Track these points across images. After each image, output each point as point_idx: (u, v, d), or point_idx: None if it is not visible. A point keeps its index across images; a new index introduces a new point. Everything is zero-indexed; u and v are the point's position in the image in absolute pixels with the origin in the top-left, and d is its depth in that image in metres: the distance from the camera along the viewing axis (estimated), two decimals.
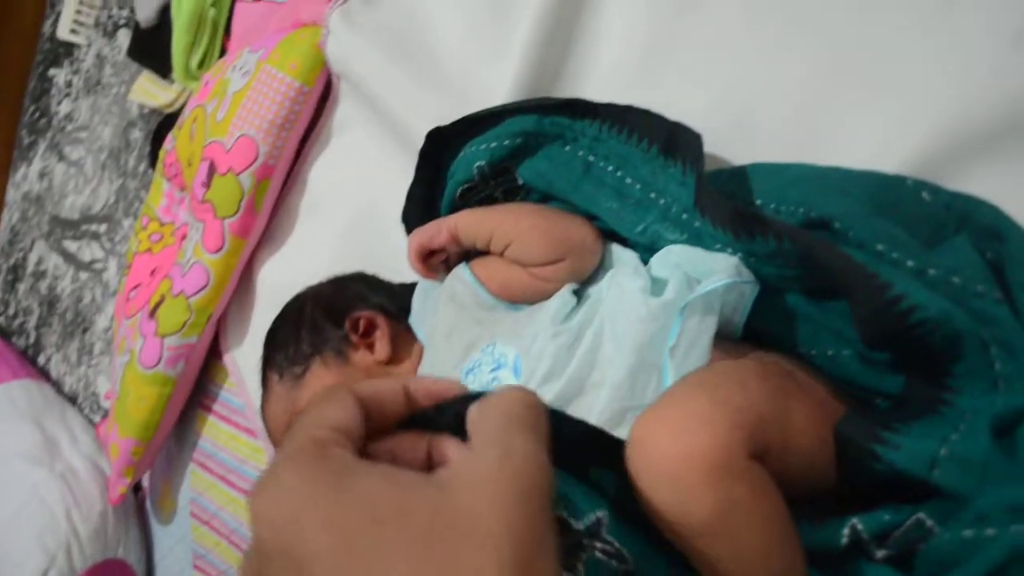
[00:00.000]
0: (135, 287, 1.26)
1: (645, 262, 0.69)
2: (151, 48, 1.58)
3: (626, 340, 0.61)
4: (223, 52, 1.41)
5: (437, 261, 0.78)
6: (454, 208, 0.79)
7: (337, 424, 0.38)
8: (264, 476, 0.35)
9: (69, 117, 1.95)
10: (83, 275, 1.77)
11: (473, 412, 0.40)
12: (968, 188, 0.57)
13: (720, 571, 0.46)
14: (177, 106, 1.53)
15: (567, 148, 0.73)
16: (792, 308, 0.61)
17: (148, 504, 1.42)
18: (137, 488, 1.44)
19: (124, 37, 1.79)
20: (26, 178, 2.06)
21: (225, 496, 1.19)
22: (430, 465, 0.42)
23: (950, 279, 0.51)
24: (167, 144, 1.29)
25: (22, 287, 1.96)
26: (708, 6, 0.73)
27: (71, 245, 1.82)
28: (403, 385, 0.44)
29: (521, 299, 0.72)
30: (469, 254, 0.77)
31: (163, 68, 1.55)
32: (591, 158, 0.72)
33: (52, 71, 2.04)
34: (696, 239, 0.64)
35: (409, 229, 0.82)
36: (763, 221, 0.58)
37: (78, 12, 1.88)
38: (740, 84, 0.71)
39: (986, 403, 0.49)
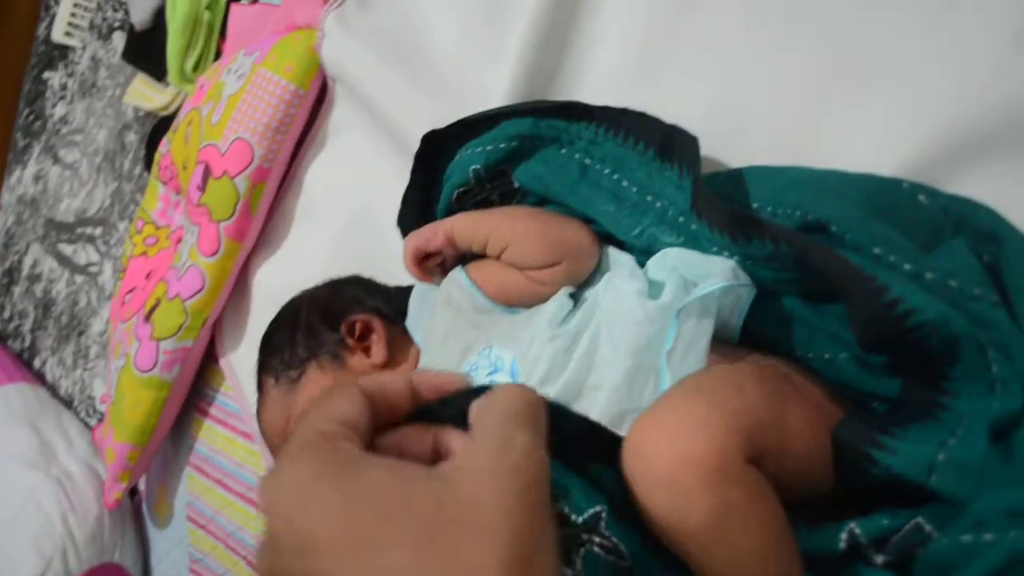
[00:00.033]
0: (130, 291, 1.25)
1: (642, 265, 0.69)
2: (146, 51, 1.57)
3: (623, 343, 0.60)
4: (218, 55, 1.40)
5: (433, 264, 0.78)
6: (450, 211, 0.79)
7: (345, 418, 0.39)
8: (274, 468, 0.37)
9: (64, 120, 1.94)
10: (78, 278, 1.76)
11: (475, 407, 0.41)
12: (968, 188, 0.57)
13: (717, 575, 0.46)
14: (172, 109, 1.53)
15: (563, 151, 0.73)
16: (789, 311, 0.61)
17: (144, 508, 1.41)
18: (133, 492, 1.43)
19: (119, 40, 1.78)
20: (21, 181, 2.05)
21: (222, 500, 1.19)
22: (435, 457, 0.43)
23: (947, 282, 0.51)
24: (162, 147, 1.29)
25: (17, 290, 1.95)
26: (706, 6, 0.73)
27: (66, 248, 1.82)
28: (408, 379, 0.45)
29: (518, 302, 0.72)
30: (465, 257, 0.77)
31: (158, 71, 1.55)
32: (587, 161, 0.72)
33: (47, 74, 2.04)
34: (693, 242, 0.64)
35: (405, 233, 0.82)
36: (760, 224, 0.57)
37: (73, 15, 1.88)
38: (739, 85, 0.71)
39: (983, 406, 0.49)
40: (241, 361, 1.17)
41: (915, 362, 0.52)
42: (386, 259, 0.92)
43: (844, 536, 0.49)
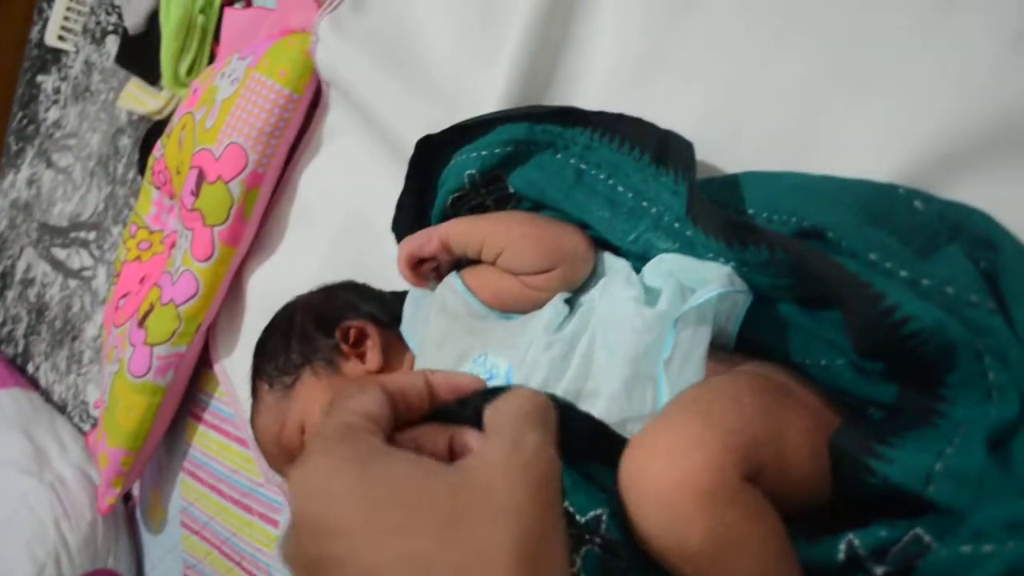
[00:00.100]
0: (124, 295, 1.25)
1: (637, 271, 0.69)
2: (139, 55, 1.57)
3: (619, 350, 0.60)
4: (212, 59, 1.40)
5: (427, 270, 0.78)
6: (445, 217, 0.79)
7: (368, 413, 0.41)
8: (303, 456, 0.38)
9: (57, 124, 1.94)
10: (72, 283, 1.76)
11: (489, 409, 0.42)
12: (967, 188, 0.57)
13: None
14: (166, 113, 1.52)
15: (558, 156, 0.73)
16: (785, 318, 0.61)
17: (138, 514, 1.41)
18: (127, 497, 1.43)
19: (112, 43, 1.78)
20: (14, 185, 2.05)
21: (216, 506, 1.19)
22: (451, 457, 0.44)
23: (944, 289, 0.51)
24: (156, 152, 1.28)
25: (10, 295, 1.95)
26: (703, 8, 0.73)
27: (60, 253, 1.81)
28: (425, 379, 0.46)
29: (513, 308, 0.72)
30: (460, 263, 0.76)
31: (152, 75, 1.54)
32: (583, 166, 0.72)
33: (40, 77, 2.03)
34: (688, 248, 0.64)
35: (399, 238, 0.82)
36: (755, 230, 0.57)
37: (66, 18, 1.87)
38: (738, 86, 0.71)
39: (980, 413, 0.49)
40: (235, 366, 1.17)
41: (912, 369, 0.52)
42: (381, 264, 0.92)
43: (842, 548, 0.48)
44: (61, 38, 1.88)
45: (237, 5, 1.35)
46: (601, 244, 0.72)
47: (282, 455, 0.81)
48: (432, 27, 0.93)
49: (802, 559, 0.47)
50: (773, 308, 0.61)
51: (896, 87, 0.62)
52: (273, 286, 1.11)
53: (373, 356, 0.79)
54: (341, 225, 1.06)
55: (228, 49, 1.32)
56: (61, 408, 1.68)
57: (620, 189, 0.69)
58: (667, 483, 0.46)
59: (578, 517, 0.48)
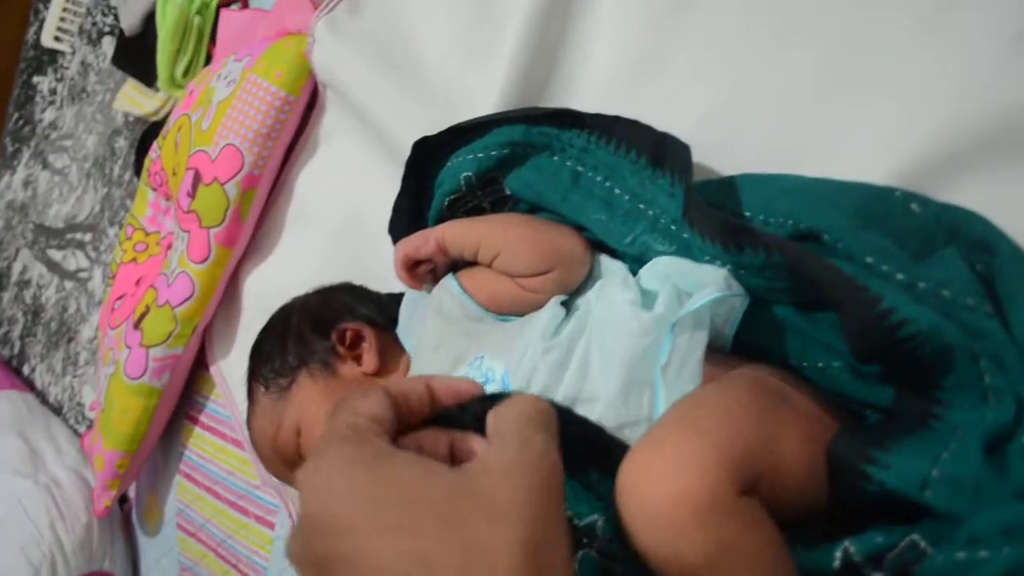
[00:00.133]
0: (120, 297, 1.25)
1: (634, 273, 0.68)
2: (136, 56, 1.56)
3: (615, 354, 0.60)
4: (208, 60, 1.40)
5: (424, 272, 0.77)
6: (441, 218, 0.79)
7: (373, 415, 0.41)
8: (311, 455, 0.39)
9: (53, 125, 1.93)
10: (68, 284, 1.75)
11: (492, 415, 0.43)
12: (967, 189, 0.57)
13: None
14: (162, 115, 1.52)
15: (555, 158, 0.73)
16: (782, 320, 0.61)
17: (134, 516, 1.41)
18: (123, 500, 1.43)
19: (109, 45, 1.78)
20: (10, 186, 2.04)
21: (212, 508, 1.19)
22: (452, 461, 0.44)
23: (940, 292, 0.51)
24: (152, 153, 1.28)
25: (6, 296, 1.95)
26: (703, 8, 0.73)
27: (56, 254, 1.81)
28: (426, 384, 0.47)
29: (509, 310, 0.72)
30: (457, 265, 0.76)
31: (148, 76, 1.54)
32: (579, 168, 0.72)
33: (36, 78, 2.03)
34: (685, 251, 0.64)
35: (396, 240, 0.82)
36: (752, 233, 0.57)
37: (62, 19, 1.87)
38: (737, 86, 0.71)
39: (976, 417, 0.48)
40: (232, 368, 1.17)
41: (908, 372, 0.52)
42: (377, 265, 0.92)
43: (838, 555, 0.48)
44: (57, 39, 1.88)
45: (233, 7, 1.35)
46: (598, 246, 0.72)
47: (278, 458, 0.81)
48: (428, 28, 0.93)
49: (799, 566, 0.47)
50: (770, 311, 0.61)
51: (896, 87, 0.62)
52: (269, 288, 1.11)
53: (369, 358, 0.79)
54: (337, 227, 1.06)
55: (224, 51, 1.32)
56: (57, 410, 1.68)
57: (617, 191, 0.69)
58: (663, 499, 0.45)
59: (575, 522, 0.49)
